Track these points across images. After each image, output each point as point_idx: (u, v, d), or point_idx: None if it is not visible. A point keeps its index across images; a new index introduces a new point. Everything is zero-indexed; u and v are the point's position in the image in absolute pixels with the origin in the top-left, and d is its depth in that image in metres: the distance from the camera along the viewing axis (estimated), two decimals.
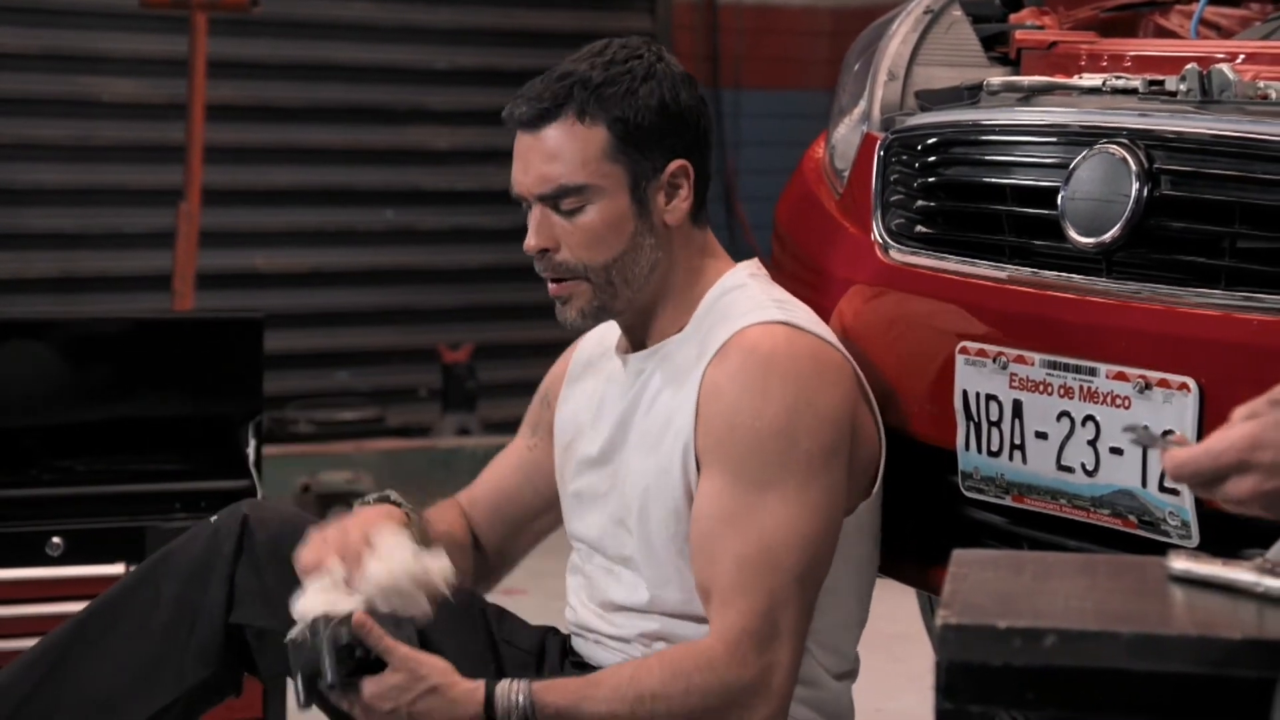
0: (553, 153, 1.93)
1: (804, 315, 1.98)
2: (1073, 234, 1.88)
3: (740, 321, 1.93)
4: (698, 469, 1.92)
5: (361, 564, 1.89)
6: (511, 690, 1.86)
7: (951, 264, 2.03)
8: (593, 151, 1.94)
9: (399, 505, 2.02)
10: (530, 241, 1.96)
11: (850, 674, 2.05)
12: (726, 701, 1.85)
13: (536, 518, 2.21)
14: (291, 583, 1.94)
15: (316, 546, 1.92)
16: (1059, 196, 1.90)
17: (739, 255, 2.09)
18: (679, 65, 2.01)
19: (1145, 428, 1.69)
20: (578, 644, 2.08)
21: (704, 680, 1.84)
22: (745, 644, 1.84)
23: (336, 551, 1.90)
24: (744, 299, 1.98)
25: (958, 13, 2.28)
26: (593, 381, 2.11)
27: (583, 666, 2.04)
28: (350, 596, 1.87)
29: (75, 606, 2.09)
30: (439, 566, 1.91)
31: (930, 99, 2.20)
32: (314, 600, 1.87)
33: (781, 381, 1.89)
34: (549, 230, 1.95)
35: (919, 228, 2.11)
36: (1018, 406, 1.91)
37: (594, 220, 1.94)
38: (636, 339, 2.04)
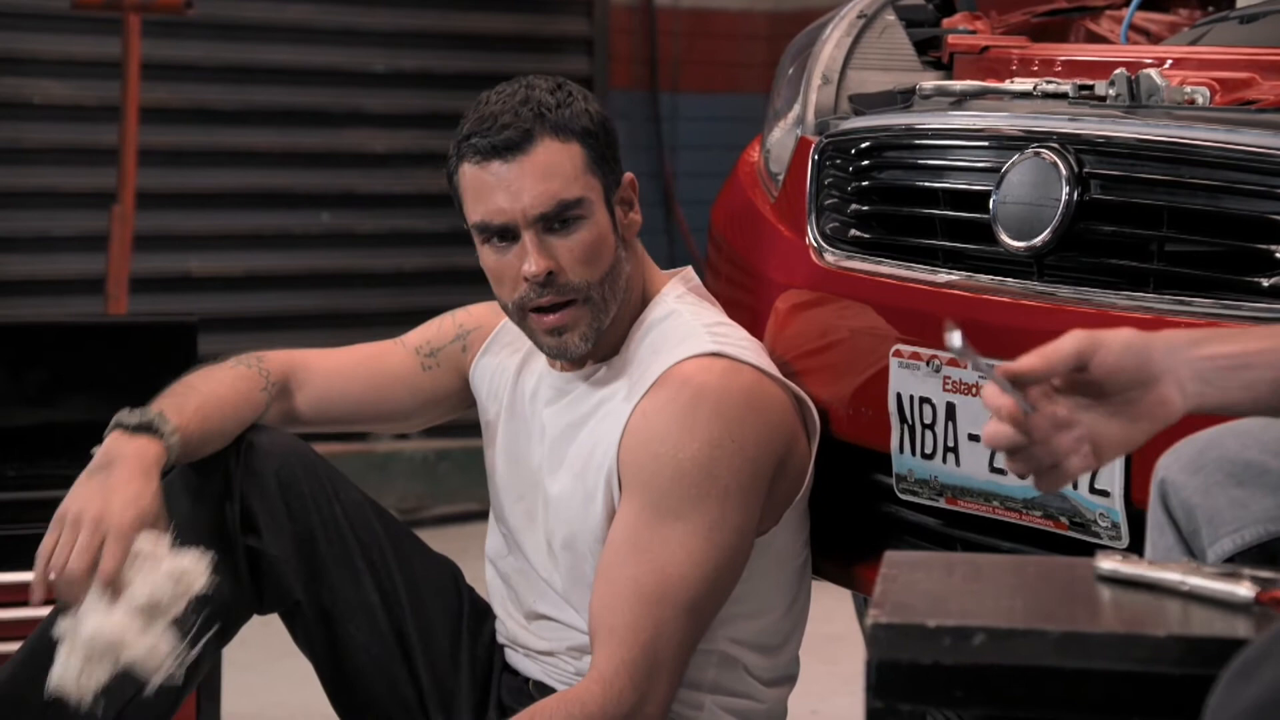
0: (546, 170, 1.91)
1: (740, 342, 1.96)
2: (1004, 238, 1.90)
3: (674, 354, 1.93)
4: (619, 496, 1.92)
5: (120, 581, 1.85)
6: None
7: (885, 267, 2.05)
8: (578, 165, 1.93)
9: (159, 432, 1.94)
10: (537, 266, 1.90)
11: (787, 680, 2.06)
12: None
13: (363, 422, 2.16)
14: (298, 514, 1.98)
15: (66, 553, 1.86)
16: (991, 201, 1.91)
17: (679, 259, 2.09)
18: None
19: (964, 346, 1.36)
20: (510, 656, 2.09)
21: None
22: (623, 676, 1.85)
23: (91, 565, 1.85)
24: (677, 328, 1.96)
25: (891, 17, 2.29)
26: (513, 362, 2.09)
27: (514, 674, 2.08)
28: (112, 616, 1.85)
29: (3, 614, 2.06)
30: (197, 570, 1.88)
31: (864, 103, 2.21)
32: (87, 624, 1.85)
33: (709, 416, 1.89)
34: (549, 252, 1.92)
35: (853, 231, 2.12)
36: (951, 409, 1.92)
37: (589, 235, 1.93)
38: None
